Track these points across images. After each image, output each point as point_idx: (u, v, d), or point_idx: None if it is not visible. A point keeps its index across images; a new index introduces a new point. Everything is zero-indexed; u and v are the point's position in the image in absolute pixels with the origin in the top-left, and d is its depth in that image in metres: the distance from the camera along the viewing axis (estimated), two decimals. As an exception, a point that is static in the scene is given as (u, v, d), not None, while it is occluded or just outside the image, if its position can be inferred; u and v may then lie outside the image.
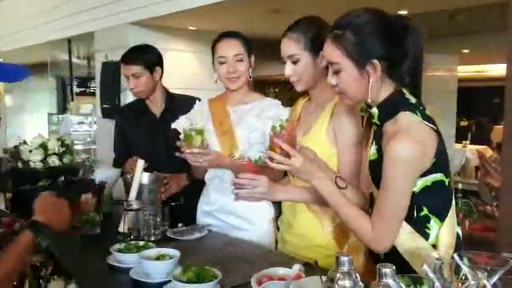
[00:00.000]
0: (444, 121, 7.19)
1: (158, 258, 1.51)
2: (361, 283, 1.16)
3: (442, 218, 1.33)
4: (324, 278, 1.32)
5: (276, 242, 1.95)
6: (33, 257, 1.42)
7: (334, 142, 1.59)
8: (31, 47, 7.58)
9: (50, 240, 1.29)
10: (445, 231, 1.34)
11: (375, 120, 1.37)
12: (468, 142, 8.32)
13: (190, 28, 5.18)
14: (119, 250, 1.61)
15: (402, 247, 1.33)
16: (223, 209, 2.00)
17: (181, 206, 2.13)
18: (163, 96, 2.44)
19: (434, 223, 1.33)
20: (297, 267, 1.40)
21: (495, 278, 1.06)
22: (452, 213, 1.35)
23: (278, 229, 1.95)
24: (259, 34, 5.71)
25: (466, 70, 10.25)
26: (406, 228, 1.33)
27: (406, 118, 1.28)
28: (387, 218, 1.30)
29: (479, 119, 11.51)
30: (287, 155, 1.38)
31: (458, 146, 7.98)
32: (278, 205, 1.94)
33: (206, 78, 5.08)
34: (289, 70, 1.64)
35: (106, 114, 5.20)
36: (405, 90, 1.34)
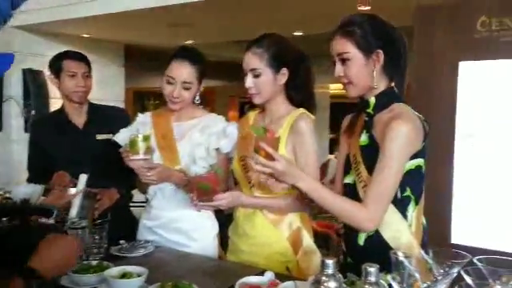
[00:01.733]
0: (318, 134, 7.81)
1: (123, 277, 1.45)
2: (344, 285, 1.27)
3: (417, 201, 1.51)
4: (298, 282, 1.41)
5: (219, 256, 1.98)
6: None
7: (291, 153, 1.68)
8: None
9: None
10: (417, 215, 1.51)
11: (370, 109, 1.52)
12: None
13: (84, 35, 4.94)
14: (75, 271, 1.51)
15: (385, 231, 1.47)
16: (166, 225, 1.97)
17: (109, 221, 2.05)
18: (87, 106, 2.34)
19: (411, 206, 1.49)
20: (269, 274, 1.46)
21: (456, 272, 1.24)
22: (423, 199, 1.54)
23: (221, 242, 1.99)
24: (151, 45, 5.67)
25: (336, 88, 11.21)
26: (390, 209, 1.46)
27: (400, 107, 1.48)
28: (384, 195, 1.42)
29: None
30: (271, 158, 1.40)
31: (331, 156, 8.63)
32: (224, 218, 1.98)
33: (96, 87, 4.87)
34: (249, 82, 1.70)
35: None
36: (395, 87, 1.54)
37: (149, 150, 1.77)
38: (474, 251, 1.27)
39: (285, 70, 1.72)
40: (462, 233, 2.44)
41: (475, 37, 2.36)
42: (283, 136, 1.68)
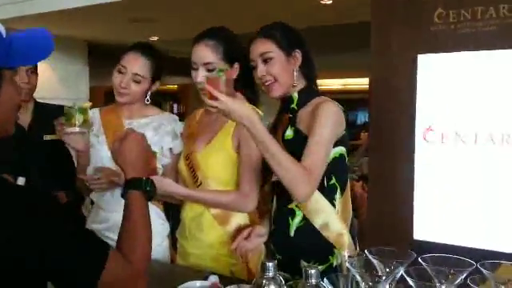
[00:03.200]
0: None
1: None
2: (285, 287, 1.22)
3: (343, 188, 1.58)
4: (242, 285, 1.35)
5: (171, 258, 1.91)
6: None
7: (236, 149, 1.65)
8: None
9: (149, 183, 1.14)
10: (345, 201, 1.58)
11: (294, 105, 1.60)
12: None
13: (43, 33, 4.80)
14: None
15: (315, 219, 1.53)
16: (115, 227, 1.88)
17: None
18: (32, 105, 2.24)
19: (338, 194, 1.57)
20: (213, 278, 1.40)
21: (402, 271, 1.20)
22: (348, 187, 1.62)
23: (173, 245, 1.92)
24: (116, 42, 5.56)
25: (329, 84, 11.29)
26: (318, 198, 1.53)
27: (322, 98, 1.58)
28: (321, 163, 1.46)
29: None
30: (215, 98, 1.37)
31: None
32: (173, 219, 1.91)
33: (57, 86, 4.76)
34: (201, 77, 1.63)
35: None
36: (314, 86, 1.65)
37: (86, 124, 1.69)
38: (436, 247, 1.25)
39: (237, 65, 1.67)
40: (424, 229, 2.42)
41: (432, 29, 2.33)
42: (229, 132, 1.64)
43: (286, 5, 3.71)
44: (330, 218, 1.54)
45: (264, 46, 1.57)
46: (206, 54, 1.63)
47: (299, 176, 1.39)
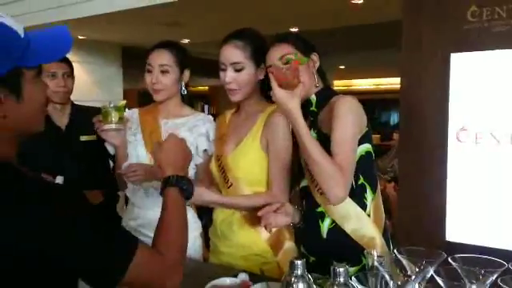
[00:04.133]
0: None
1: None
2: (313, 284, 1.23)
3: (374, 189, 1.54)
4: (271, 283, 1.37)
5: (203, 256, 1.95)
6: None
7: (265, 149, 1.66)
8: None
9: (187, 181, 1.20)
10: (377, 202, 1.54)
11: (313, 107, 1.60)
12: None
13: (79, 37, 4.95)
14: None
15: (344, 222, 1.51)
16: (148, 224, 1.94)
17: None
18: (70, 107, 2.32)
19: (369, 193, 1.53)
20: (242, 275, 1.42)
21: (431, 271, 1.19)
22: (379, 187, 1.59)
23: (206, 243, 1.95)
24: (150, 45, 5.67)
25: (338, 84, 11.14)
26: (347, 201, 1.49)
27: (339, 96, 1.56)
28: (351, 163, 1.44)
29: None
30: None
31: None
32: (206, 218, 1.95)
33: (92, 88, 4.89)
34: (229, 76, 1.65)
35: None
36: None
37: (122, 121, 1.77)
38: (469, 249, 1.23)
39: (263, 66, 1.68)
40: (457, 230, 2.38)
41: (466, 27, 2.29)
42: (257, 133, 1.65)
43: (316, 5, 3.72)
44: (362, 223, 1.52)
45: (283, 50, 1.58)
46: (234, 53, 1.65)
47: (334, 176, 1.39)
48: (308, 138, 1.42)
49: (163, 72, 1.88)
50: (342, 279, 1.15)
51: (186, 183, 1.20)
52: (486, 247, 2.14)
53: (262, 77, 1.69)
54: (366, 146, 1.54)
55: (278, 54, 1.56)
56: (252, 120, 1.69)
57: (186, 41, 5.01)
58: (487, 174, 2.28)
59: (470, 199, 2.33)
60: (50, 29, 1.03)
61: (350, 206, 1.50)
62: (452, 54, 2.32)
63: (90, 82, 5.05)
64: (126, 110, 2.03)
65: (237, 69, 1.66)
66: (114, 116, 1.74)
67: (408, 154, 2.52)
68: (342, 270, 1.15)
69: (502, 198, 2.24)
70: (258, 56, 1.67)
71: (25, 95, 0.95)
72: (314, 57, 1.60)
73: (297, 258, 1.25)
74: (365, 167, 1.52)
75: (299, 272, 1.22)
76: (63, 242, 0.88)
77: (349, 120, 1.45)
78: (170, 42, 1.98)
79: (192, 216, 1.97)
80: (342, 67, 8.73)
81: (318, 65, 1.60)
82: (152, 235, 1.88)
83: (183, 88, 1.96)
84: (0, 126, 0.93)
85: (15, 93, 0.93)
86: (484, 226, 2.28)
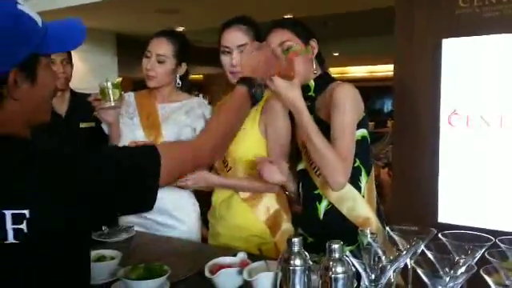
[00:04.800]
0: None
1: (98, 260, 1.47)
2: (310, 261, 1.28)
3: (368, 172, 1.58)
4: (269, 262, 1.42)
5: (202, 237, 2.00)
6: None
7: (264, 133, 1.70)
8: None
9: (261, 89, 1.30)
10: (369, 186, 1.59)
11: (311, 92, 1.61)
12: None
13: (74, 25, 4.95)
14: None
15: (340, 204, 1.56)
16: (154, 209, 1.98)
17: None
18: (69, 94, 2.36)
19: (363, 176, 1.57)
20: (241, 255, 1.47)
21: (422, 246, 1.25)
22: (373, 170, 1.62)
23: (205, 224, 2.00)
24: (143, 33, 5.68)
25: (333, 72, 11.14)
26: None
27: (336, 82, 1.59)
28: (351, 149, 1.48)
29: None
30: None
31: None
32: (204, 201, 1.99)
33: (87, 76, 4.91)
34: (236, 59, 1.67)
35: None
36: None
37: (120, 98, 1.80)
38: (460, 229, 1.27)
39: None
40: (448, 212, 2.44)
41: (457, 13, 2.34)
42: (256, 117, 1.69)
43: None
44: (357, 203, 1.56)
45: (284, 36, 1.58)
46: (239, 36, 1.67)
47: (335, 164, 1.44)
48: (311, 126, 1.46)
49: (159, 62, 1.91)
50: (337, 255, 1.20)
51: (259, 88, 1.30)
52: (477, 228, 2.20)
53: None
54: (362, 131, 1.57)
55: (278, 39, 1.58)
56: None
57: (181, 28, 5.01)
58: (478, 156, 2.34)
59: (461, 182, 2.39)
60: (64, 20, 1.07)
61: (346, 187, 1.54)
62: (444, 40, 2.37)
63: (85, 69, 5.06)
64: (122, 93, 2.06)
65: (242, 50, 1.66)
66: (114, 94, 1.76)
67: (402, 139, 2.57)
68: (337, 246, 1.19)
69: (493, 180, 2.30)
70: (259, 39, 1.68)
71: (39, 81, 0.99)
72: (313, 43, 1.61)
73: (294, 236, 1.30)
74: (361, 151, 1.56)
75: (296, 249, 1.27)
76: (111, 185, 0.96)
77: (347, 107, 1.49)
78: (173, 31, 2.00)
79: (190, 197, 2.02)
80: (336, 54, 8.74)
81: (316, 51, 1.62)
82: (152, 217, 1.96)
83: (177, 80, 1.98)
84: (12, 110, 0.96)
85: (31, 78, 0.97)
86: (476, 207, 2.34)
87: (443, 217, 2.44)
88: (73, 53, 5.35)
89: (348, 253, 1.17)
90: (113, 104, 1.77)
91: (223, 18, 1.78)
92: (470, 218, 2.32)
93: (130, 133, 1.93)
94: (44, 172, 0.91)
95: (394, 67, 2.55)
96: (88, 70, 5.07)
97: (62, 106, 2.31)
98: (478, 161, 2.33)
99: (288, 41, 1.57)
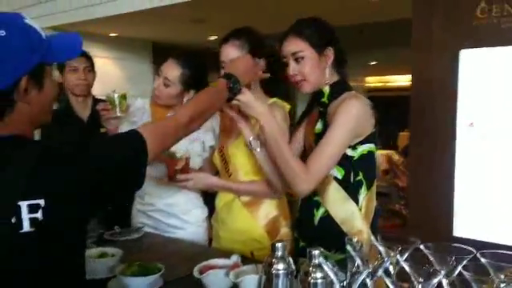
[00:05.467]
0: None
1: (100, 257, 1.56)
2: (293, 266, 1.32)
3: (370, 185, 1.59)
4: (259, 265, 1.46)
5: (210, 240, 2.06)
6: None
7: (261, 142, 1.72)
8: None
9: (238, 84, 1.46)
10: (369, 198, 1.59)
11: (325, 99, 1.63)
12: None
13: (111, 34, 5.16)
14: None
15: (336, 213, 1.57)
16: (161, 210, 2.07)
17: (112, 210, 2.18)
18: (91, 100, 2.49)
19: (364, 190, 1.58)
20: (234, 258, 1.52)
21: (406, 254, 1.26)
22: (375, 184, 1.63)
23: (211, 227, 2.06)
24: (178, 42, 5.85)
25: (373, 81, 11.00)
26: (341, 193, 1.56)
27: (350, 93, 1.59)
28: (326, 162, 1.51)
29: (386, 126, 12.41)
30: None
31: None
32: (211, 205, 2.06)
33: (127, 84, 5.10)
34: None
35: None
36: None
37: (126, 109, 1.88)
38: (477, 244, 1.27)
39: (262, 62, 1.76)
40: (464, 226, 2.39)
41: (475, 24, 2.30)
42: (256, 125, 1.73)
43: (335, 3, 3.76)
44: (353, 216, 1.57)
45: (296, 45, 1.59)
46: (232, 52, 1.73)
47: (298, 175, 1.49)
48: (277, 140, 1.52)
49: (165, 85, 1.97)
50: (316, 261, 1.23)
51: (236, 83, 1.46)
52: (493, 243, 2.15)
53: (260, 73, 1.76)
54: (369, 146, 1.58)
55: (291, 49, 1.60)
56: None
57: (212, 37, 5.13)
58: (495, 169, 2.28)
59: (477, 195, 2.34)
60: (62, 33, 1.20)
61: (344, 199, 1.56)
62: (461, 51, 2.34)
63: (123, 77, 5.27)
64: (138, 99, 2.15)
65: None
66: (121, 105, 1.85)
67: (418, 150, 2.55)
68: (316, 252, 1.23)
69: (510, 193, 2.24)
70: (255, 53, 1.73)
71: (44, 87, 1.10)
72: (329, 52, 1.59)
73: (278, 241, 1.34)
74: (365, 165, 1.58)
75: (279, 254, 1.31)
76: (111, 175, 1.08)
77: (343, 126, 1.50)
78: (189, 56, 2.01)
79: (198, 201, 2.09)
80: (374, 63, 8.64)
81: (330, 60, 1.61)
82: (162, 219, 2.05)
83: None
84: (24, 112, 1.07)
85: (38, 85, 1.08)
86: (492, 222, 2.29)
87: (458, 230, 2.40)
88: (110, 61, 5.60)
89: (321, 258, 1.20)
90: (119, 115, 1.86)
91: (255, 27, 1.81)
92: (485, 232, 2.27)
93: None
94: (56, 165, 1.02)
95: (412, 78, 2.54)
96: (125, 78, 5.28)
97: (84, 111, 2.44)
98: (494, 173, 2.28)
99: (300, 51, 1.59)
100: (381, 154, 7.95)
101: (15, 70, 1.02)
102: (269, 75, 1.76)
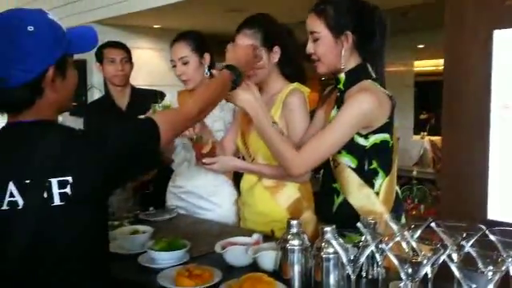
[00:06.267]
0: (402, 113, 7.49)
1: (132, 233, 1.68)
2: (307, 242, 1.38)
3: (387, 172, 1.59)
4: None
5: (239, 222, 2.15)
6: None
7: (284, 127, 1.77)
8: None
9: (241, 77, 1.53)
10: (388, 183, 1.59)
11: (340, 85, 1.62)
12: (426, 133, 8.62)
13: (154, 26, 5.32)
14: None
15: (353, 200, 1.59)
16: (190, 191, 2.19)
17: (151, 193, 2.32)
18: (129, 90, 2.62)
19: (380, 177, 1.58)
20: (256, 236, 1.59)
21: (418, 233, 1.28)
22: (394, 170, 1.62)
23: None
24: (213, 31, 5.94)
25: (423, 65, 10.66)
26: (356, 180, 1.57)
27: (366, 83, 1.55)
28: (318, 152, 1.52)
29: (437, 112, 12.05)
30: None
31: (417, 137, 8.26)
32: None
33: (170, 74, 5.24)
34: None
35: (73, 111, 5.30)
36: (368, 65, 1.60)
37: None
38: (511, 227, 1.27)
39: (277, 49, 1.80)
40: (499, 209, 2.36)
41: (508, 3, 2.24)
42: (276, 112, 1.79)
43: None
44: (369, 200, 1.58)
45: (313, 25, 1.57)
46: (245, 42, 1.76)
47: (291, 163, 1.53)
48: (264, 127, 1.56)
49: (184, 63, 2.08)
50: (328, 237, 1.28)
51: (239, 74, 1.52)
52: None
53: (276, 60, 1.81)
54: (383, 136, 1.56)
55: (309, 27, 1.59)
56: (271, 101, 1.83)
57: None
58: (530, 151, 2.23)
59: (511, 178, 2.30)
60: (79, 27, 1.29)
61: (359, 185, 1.58)
62: (495, 31, 2.29)
63: (166, 67, 5.39)
64: (166, 96, 2.28)
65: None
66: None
67: (451, 134, 2.52)
68: (328, 229, 1.28)
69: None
70: (270, 41, 1.77)
71: (67, 76, 1.22)
72: (347, 36, 1.55)
73: (293, 218, 1.41)
74: (379, 154, 1.57)
75: (295, 230, 1.38)
76: (130, 155, 1.20)
77: (346, 124, 1.48)
78: (184, 32, 2.14)
79: (229, 185, 2.18)
80: (421, 46, 8.39)
81: (347, 44, 1.56)
82: (192, 201, 2.15)
83: (206, 71, 2.11)
84: (51, 99, 1.18)
85: (62, 75, 1.20)
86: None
87: (493, 213, 2.36)
88: (153, 52, 5.75)
89: (331, 235, 1.25)
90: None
91: (289, 15, 1.83)
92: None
93: None
94: (79, 146, 1.15)
95: (444, 59, 2.50)
96: (168, 68, 5.42)
97: (122, 99, 2.58)
98: (530, 156, 2.23)
99: (317, 32, 1.57)
100: (428, 141, 7.81)
101: (44, 61, 1.14)
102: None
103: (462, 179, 2.45)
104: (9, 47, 1.09)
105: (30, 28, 1.11)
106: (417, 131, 8.32)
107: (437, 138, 7.96)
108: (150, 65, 5.31)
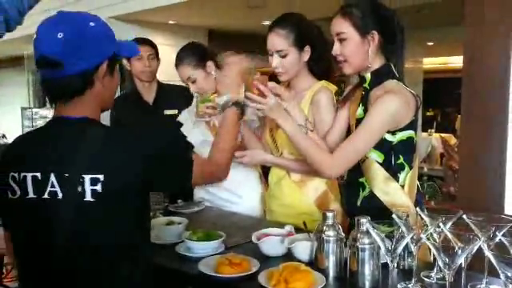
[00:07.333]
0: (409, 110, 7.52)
1: (168, 224, 1.75)
2: (342, 233, 1.44)
3: (411, 167, 1.67)
4: (311, 234, 1.59)
5: (264, 215, 2.21)
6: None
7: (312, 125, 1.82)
8: (6, 41, 7.59)
9: (243, 105, 1.59)
10: (411, 177, 1.67)
11: (366, 84, 1.68)
12: (433, 130, 8.64)
13: (170, 22, 5.38)
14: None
15: (380, 192, 1.65)
16: (217, 185, 2.24)
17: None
18: (156, 85, 2.69)
19: (405, 171, 1.66)
20: (288, 227, 1.65)
21: (449, 224, 1.34)
22: (416, 164, 1.70)
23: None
24: (232, 28, 5.99)
25: (432, 62, 10.66)
26: (382, 174, 1.64)
27: (392, 83, 1.62)
28: (351, 153, 1.61)
29: (444, 109, 12.06)
30: (263, 96, 1.62)
31: (424, 134, 8.29)
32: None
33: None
34: (276, 63, 1.83)
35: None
36: (392, 65, 1.66)
37: (202, 112, 2.02)
38: None
39: (308, 48, 1.84)
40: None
41: (528, 4, 2.28)
42: (305, 108, 1.84)
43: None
44: (395, 192, 1.64)
45: (340, 26, 1.62)
46: (277, 42, 1.80)
47: (324, 164, 1.62)
48: (300, 137, 1.64)
49: (192, 82, 2.17)
50: (364, 228, 1.34)
51: (242, 108, 1.58)
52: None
53: (306, 58, 1.85)
54: (409, 133, 1.62)
55: (335, 29, 1.64)
56: (300, 97, 1.87)
57: (266, 22, 5.21)
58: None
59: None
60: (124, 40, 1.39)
61: (386, 179, 1.64)
62: (515, 29, 2.33)
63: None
64: (183, 112, 2.32)
65: (281, 55, 1.81)
66: (198, 108, 2.04)
67: (469, 130, 2.57)
68: (364, 220, 1.34)
69: None
70: (302, 40, 1.81)
71: (114, 75, 1.29)
72: (373, 36, 1.60)
73: (328, 210, 1.47)
74: (405, 149, 1.64)
75: (330, 221, 1.44)
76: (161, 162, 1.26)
77: (377, 126, 1.57)
78: (183, 51, 2.23)
79: (255, 179, 2.24)
80: (431, 44, 8.40)
81: (375, 44, 1.61)
82: (217, 193, 2.21)
83: (213, 74, 2.19)
84: (99, 94, 1.25)
85: (111, 72, 1.27)
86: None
87: (510, 209, 2.41)
88: (170, 48, 5.79)
89: (368, 225, 1.31)
90: (194, 119, 2.07)
91: (306, 11, 1.88)
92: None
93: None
94: (115, 147, 1.20)
95: (463, 56, 2.55)
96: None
97: (149, 95, 2.65)
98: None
99: (343, 33, 1.62)
100: (438, 137, 7.83)
101: (101, 54, 1.21)
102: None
103: (479, 176, 2.50)
104: (76, 35, 1.17)
105: (92, 23, 1.20)
106: (424, 128, 8.37)
107: (445, 135, 8.01)
108: (165, 60, 5.34)
